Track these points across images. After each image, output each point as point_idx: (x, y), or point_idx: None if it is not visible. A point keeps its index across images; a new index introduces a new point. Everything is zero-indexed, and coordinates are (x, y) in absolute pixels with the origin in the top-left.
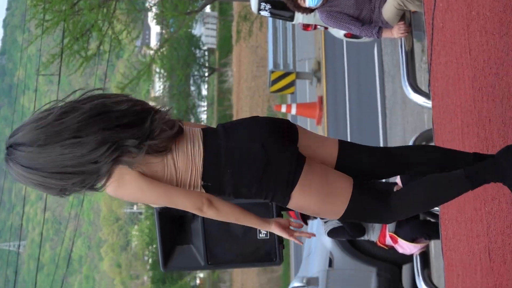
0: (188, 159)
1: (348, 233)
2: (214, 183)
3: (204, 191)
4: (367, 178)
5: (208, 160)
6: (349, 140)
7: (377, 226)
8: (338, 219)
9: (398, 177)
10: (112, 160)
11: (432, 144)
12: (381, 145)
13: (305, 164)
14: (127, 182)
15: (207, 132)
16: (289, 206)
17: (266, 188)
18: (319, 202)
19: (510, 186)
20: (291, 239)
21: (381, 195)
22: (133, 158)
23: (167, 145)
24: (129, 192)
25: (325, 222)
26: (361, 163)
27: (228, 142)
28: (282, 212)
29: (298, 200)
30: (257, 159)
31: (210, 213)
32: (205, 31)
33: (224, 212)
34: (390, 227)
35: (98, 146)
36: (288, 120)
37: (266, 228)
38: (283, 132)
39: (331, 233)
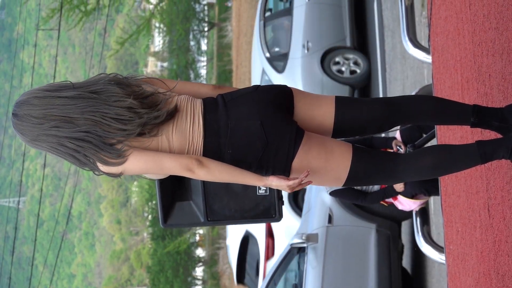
0: (186, 139)
1: (351, 198)
2: (214, 158)
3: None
4: (368, 131)
5: (208, 140)
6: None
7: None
8: (342, 187)
9: (398, 132)
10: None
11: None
12: None
13: (304, 137)
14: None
15: (207, 107)
16: (289, 176)
17: (265, 166)
18: (319, 169)
19: None
20: (288, 190)
21: (384, 157)
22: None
23: (158, 129)
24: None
25: None
26: (361, 116)
27: (228, 121)
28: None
29: (298, 171)
30: (257, 140)
31: (201, 173)
32: None
33: (217, 171)
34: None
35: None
36: (285, 86)
37: (263, 183)
38: (280, 104)
39: (334, 193)
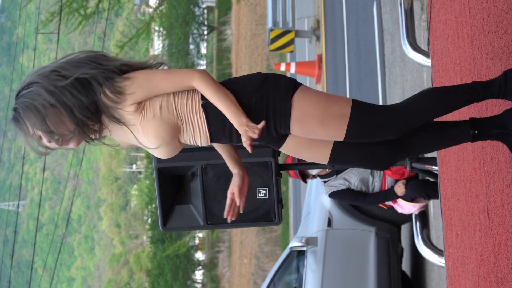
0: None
1: (350, 199)
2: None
3: (203, 112)
4: (367, 164)
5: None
6: None
7: (378, 179)
8: (345, 134)
9: None
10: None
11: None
12: (380, 103)
13: (302, 84)
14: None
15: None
16: (292, 115)
17: (266, 96)
18: (321, 104)
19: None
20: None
21: (383, 105)
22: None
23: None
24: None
25: (325, 182)
26: (359, 151)
27: (228, 79)
28: (281, 172)
29: (300, 106)
30: (256, 78)
31: (201, 80)
32: None
33: (216, 85)
34: (390, 183)
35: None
36: None
37: (244, 122)
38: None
39: (333, 195)
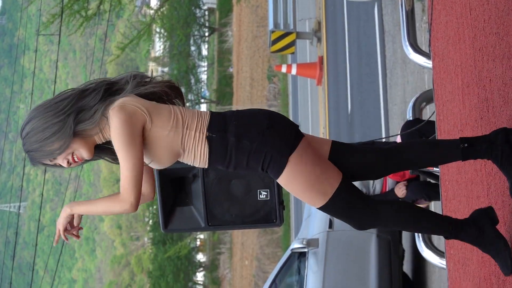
0: (195, 114)
1: None
2: (218, 134)
3: (207, 145)
4: (359, 178)
5: (215, 116)
6: (349, 102)
7: (378, 181)
8: (318, 207)
9: (398, 137)
10: (102, 92)
11: (422, 139)
12: (381, 106)
13: (304, 138)
14: (124, 109)
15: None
16: (283, 173)
17: (267, 143)
18: (312, 176)
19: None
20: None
21: (366, 196)
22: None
23: (161, 90)
24: (120, 117)
25: None
26: (353, 164)
27: (235, 111)
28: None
29: (294, 166)
30: (262, 120)
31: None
32: None
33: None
34: (391, 184)
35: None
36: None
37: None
38: (285, 118)
39: None
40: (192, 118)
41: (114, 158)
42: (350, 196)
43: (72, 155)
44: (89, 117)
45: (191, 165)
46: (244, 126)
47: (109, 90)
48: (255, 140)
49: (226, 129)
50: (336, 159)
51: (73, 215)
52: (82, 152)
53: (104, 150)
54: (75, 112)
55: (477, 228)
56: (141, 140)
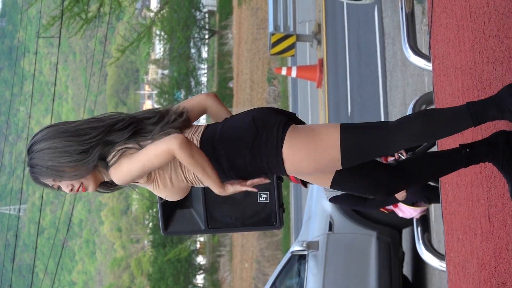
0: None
1: (350, 204)
2: (210, 158)
3: None
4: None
5: (204, 140)
6: (349, 104)
7: None
8: (340, 171)
9: None
10: (131, 131)
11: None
12: (381, 108)
13: (291, 126)
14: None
15: (211, 124)
16: (286, 168)
17: (258, 154)
18: (310, 152)
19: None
20: (244, 188)
21: (373, 128)
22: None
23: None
24: (121, 164)
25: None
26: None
27: (225, 123)
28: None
29: (290, 157)
30: (246, 130)
31: (181, 152)
32: None
33: (198, 153)
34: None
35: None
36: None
37: (219, 190)
38: (273, 109)
39: (333, 200)
40: None
41: (110, 190)
42: (357, 141)
43: (79, 185)
44: (111, 152)
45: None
46: (231, 147)
47: (135, 129)
48: (246, 158)
49: (217, 156)
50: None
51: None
52: (90, 185)
53: (103, 184)
54: (102, 146)
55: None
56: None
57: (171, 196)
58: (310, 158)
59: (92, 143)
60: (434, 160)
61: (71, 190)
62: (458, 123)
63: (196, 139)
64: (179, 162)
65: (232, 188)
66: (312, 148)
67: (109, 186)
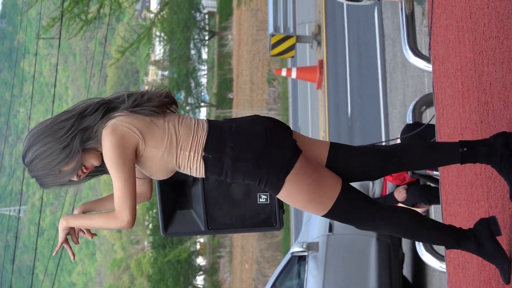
0: (190, 131)
1: None
2: (214, 155)
3: (203, 163)
4: (358, 178)
5: (211, 134)
6: (349, 105)
7: (378, 185)
8: (322, 215)
9: (398, 141)
10: (102, 111)
11: (422, 140)
12: (381, 109)
13: (301, 155)
14: (116, 131)
15: (212, 120)
16: (281, 192)
17: (263, 166)
18: (310, 192)
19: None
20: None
21: (366, 202)
22: (121, 110)
23: (159, 106)
24: (111, 140)
25: None
26: (353, 164)
27: (232, 123)
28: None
29: (291, 186)
30: (258, 138)
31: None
32: None
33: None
34: (390, 188)
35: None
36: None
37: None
38: (282, 126)
39: None
40: (187, 138)
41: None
42: (350, 204)
43: (82, 168)
44: (92, 136)
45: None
46: (240, 148)
47: (107, 108)
48: (250, 163)
49: (222, 150)
50: (334, 161)
51: (71, 227)
52: (92, 161)
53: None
54: (80, 134)
55: (477, 241)
56: (133, 160)
57: (152, 171)
58: (309, 197)
59: (69, 135)
60: (429, 150)
61: (78, 176)
62: (447, 155)
63: (201, 129)
64: (175, 138)
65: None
66: (313, 189)
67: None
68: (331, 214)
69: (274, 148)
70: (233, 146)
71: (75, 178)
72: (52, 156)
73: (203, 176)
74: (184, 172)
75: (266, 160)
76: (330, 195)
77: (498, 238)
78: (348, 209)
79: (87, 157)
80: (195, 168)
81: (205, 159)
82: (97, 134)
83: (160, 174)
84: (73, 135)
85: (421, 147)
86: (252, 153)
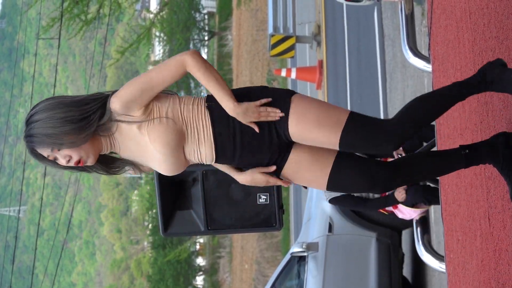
0: (191, 96)
1: (350, 205)
2: (217, 103)
3: (208, 114)
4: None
5: (211, 95)
6: (349, 105)
7: None
8: (340, 138)
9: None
10: None
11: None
12: (381, 109)
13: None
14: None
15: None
16: (290, 114)
17: (267, 96)
18: (319, 108)
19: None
20: (256, 111)
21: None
22: None
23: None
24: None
25: None
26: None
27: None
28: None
29: (298, 103)
30: (257, 87)
31: (194, 61)
32: None
33: (210, 65)
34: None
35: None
36: None
37: (235, 105)
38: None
39: (333, 201)
40: (189, 97)
41: (107, 170)
42: (366, 116)
43: (78, 158)
44: (107, 121)
45: (199, 157)
46: (241, 93)
47: None
48: (253, 100)
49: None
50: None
51: None
52: (90, 157)
53: (101, 161)
54: (100, 113)
55: (491, 147)
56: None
57: (163, 139)
58: (314, 118)
59: (93, 109)
60: (433, 159)
61: (68, 161)
62: (452, 160)
63: (200, 97)
64: (178, 98)
65: (245, 105)
66: (320, 109)
67: (107, 163)
68: (349, 129)
69: (273, 88)
70: (234, 93)
71: (63, 162)
72: (68, 122)
73: (211, 130)
74: (193, 134)
75: (269, 92)
76: (343, 109)
77: (495, 244)
78: (364, 121)
79: (89, 148)
80: (201, 122)
81: (209, 108)
82: (112, 123)
83: (172, 138)
84: (94, 111)
85: (424, 159)
86: (254, 91)
